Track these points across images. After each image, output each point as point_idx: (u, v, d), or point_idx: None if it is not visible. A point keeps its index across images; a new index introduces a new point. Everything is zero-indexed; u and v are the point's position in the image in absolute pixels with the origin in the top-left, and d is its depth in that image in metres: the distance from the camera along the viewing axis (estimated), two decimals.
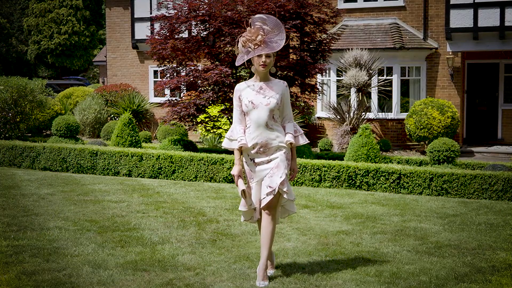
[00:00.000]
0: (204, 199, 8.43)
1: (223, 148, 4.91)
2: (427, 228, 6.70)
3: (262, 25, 4.65)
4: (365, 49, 15.63)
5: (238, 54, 4.76)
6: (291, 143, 4.72)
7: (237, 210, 7.39)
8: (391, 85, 16.35)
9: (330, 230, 6.53)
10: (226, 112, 12.13)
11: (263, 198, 4.63)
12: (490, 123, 17.77)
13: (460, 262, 5.32)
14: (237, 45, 4.72)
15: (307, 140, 4.86)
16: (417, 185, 9.61)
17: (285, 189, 4.59)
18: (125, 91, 19.76)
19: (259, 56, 4.61)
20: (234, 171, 4.68)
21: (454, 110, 15.30)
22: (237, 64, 4.80)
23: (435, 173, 9.54)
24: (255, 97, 4.67)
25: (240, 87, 4.79)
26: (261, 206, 4.67)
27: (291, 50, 13.46)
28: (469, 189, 9.33)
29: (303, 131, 4.88)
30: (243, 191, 4.61)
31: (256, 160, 4.70)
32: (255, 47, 4.60)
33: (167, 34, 12.77)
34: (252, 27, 4.66)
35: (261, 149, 4.66)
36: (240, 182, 4.64)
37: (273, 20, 4.69)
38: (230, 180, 10.41)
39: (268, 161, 4.67)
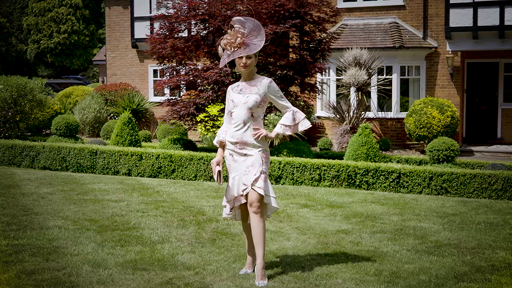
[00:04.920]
0: (204, 198, 8.44)
1: (214, 144, 5.07)
2: (426, 227, 6.70)
3: (241, 28, 4.77)
4: (365, 48, 15.62)
5: (221, 56, 4.89)
6: (280, 133, 4.88)
7: None
8: (390, 84, 16.34)
9: (329, 229, 6.53)
10: None
11: (240, 195, 4.77)
12: (489, 123, 17.77)
13: (460, 261, 5.33)
14: (218, 48, 4.87)
15: (309, 124, 4.91)
16: (417, 184, 9.61)
17: (258, 185, 4.69)
18: (125, 90, 19.76)
19: (240, 57, 4.75)
20: (213, 160, 4.88)
21: (454, 109, 15.30)
22: (220, 66, 4.98)
23: (435, 172, 9.55)
24: (237, 96, 4.84)
25: (229, 87, 4.97)
26: (246, 201, 4.78)
27: (290, 49, 13.47)
28: (469, 188, 9.34)
29: (304, 116, 4.92)
30: (219, 171, 4.81)
31: (234, 156, 4.83)
32: (235, 49, 4.73)
33: (167, 33, 12.78)
34: (232, 29, 4.78)
35: (237, 146, 4.80)
36: (217, 167, 4.85)
37: (252, 22, 4.80)
38: None
39: (245, 159, 4.78)
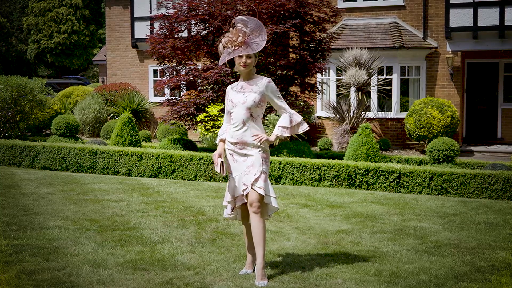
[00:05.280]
0: (204, 198, 8.44)
1: (216, 143, 5.05)
2: (426, 227, 6.70)
3: (243, 27, 4.77)
4: (365, 48, 15.62)
5: (221, 54, 4.90)
6: (279, 135, 4.86)
7: None
8: (390, 85, 16.34)
9: (329, 229, 6.53)
10: None
11: (241, 195, 4.79)
12: (489, 123, 17.77)
13: (460, 261, 5.33)
14: (219, 45, 4.87)
15: (306, 126, 4.90)
16: (417, 184, 9.61)
17: (258, 185, 4.69)
18: (125, 90, 19.76)
19: (240, 56, 4.75)
20: (214, 152, 4.87)
21: (454, 109, 15.30)
22: (220, 64, 4.99)
23: (435, 172, 9.55)
24: (235, 96, 4.84)
25: (228, 87, 4.97)
26: (246, 201, 4.79)
27: (290, 49, 13.47)
28: (469, 188, 9.33)
29: (301, 118, 4.91)
30: (221, 162, 4.79)
31: (235, 156, 4.83)
32: (235, 48, 4.74)
33: (167, 33, 12.78)
34: (234, 28, 4.78)
35: (238, 146, 4.80)
36: (219, 159, 4.83)
37: (254, 22, 4.81)
38: None
39: (245, 159, 4.78)
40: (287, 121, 4.85)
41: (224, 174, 4.85)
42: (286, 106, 4.90)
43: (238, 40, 4.71)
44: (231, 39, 4.74)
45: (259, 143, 4.76)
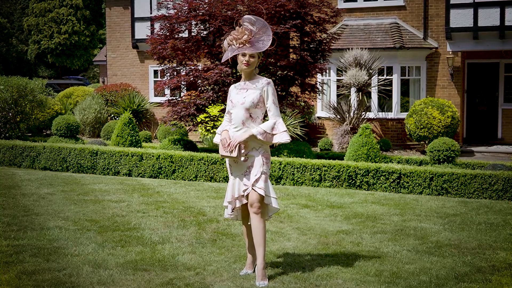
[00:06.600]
0: (204, 198, 8.44)
1: (214, 143, 5.01)
2: (427, 228, 6.70)
3: (250, 26, 4.78)
4: (365, 48, 15.62)
5: (225, 51, 4.90)
6: (254, 134, 4.69)
7: None
8: (391, 85, 16.34)
9: (330, 230, 6.53)
10: None
11: (242, 195, 4.77)
12: (490, 123, 17.77)
13: (460, 261, 5.33)
14: (223, 42, 4.87)
15: (287, 139, 4.77)
16: (417, 184, 9.61)
17: (259, 186, 4.69)
18: (125, 91, 19.77)
19: (243, 55, 4.75)
20: (224, 135, 4.76)
21: (454, 109, 15.30)
22: (222, 60, 4.96)
23: (435, 173, 9.54)
24: (236, 96, 4.84)
25: (232, 86, 4.98)
26: (246, 202, 4.79)
27: (291, 50, 13.47)
28: (469, 189, 9.33)
29: (285, 130, 4.79)
30: (239, 146, 4.67)
31: None
32: (240, 45, 4.73)
33: (167, 33, 12.79)
34: (241, 27, 4.79)
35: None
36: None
37: (261, 22, 4.81)
38: None
39: (246, 159, 4.75)
40: (269, 127, 4.72)
41: (243, 159, 4.71)
42: (275, 111, 4.77)
43: (243, 38, 4.72)
44: (236, 36, 4.74)
45: (232, 148, 4.66)
